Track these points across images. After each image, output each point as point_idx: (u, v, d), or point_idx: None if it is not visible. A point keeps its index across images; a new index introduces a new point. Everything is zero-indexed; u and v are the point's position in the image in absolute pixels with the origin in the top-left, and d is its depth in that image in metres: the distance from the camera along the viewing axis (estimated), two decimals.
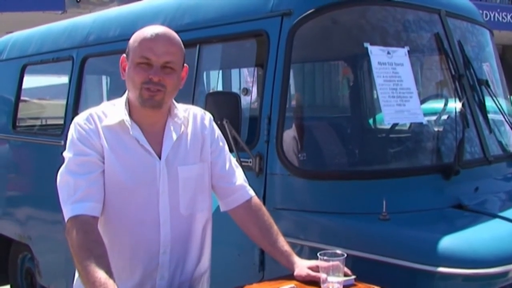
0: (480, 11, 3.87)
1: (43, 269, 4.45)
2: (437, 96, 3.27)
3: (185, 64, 1.99)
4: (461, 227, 2.38)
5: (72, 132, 1.93)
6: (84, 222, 1.81)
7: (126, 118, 1.94)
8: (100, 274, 1.68)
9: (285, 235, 2.16)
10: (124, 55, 1.96)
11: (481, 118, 3.00)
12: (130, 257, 1.98)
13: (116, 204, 1.93)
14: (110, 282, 1.68)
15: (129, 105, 1.98)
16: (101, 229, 1.90)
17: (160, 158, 1.96)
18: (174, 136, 1.99)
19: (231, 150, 2.29)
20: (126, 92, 2.00)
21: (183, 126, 2.02)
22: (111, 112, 1.97)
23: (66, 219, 1.85)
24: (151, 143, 1.96)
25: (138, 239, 1.97)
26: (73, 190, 1.85)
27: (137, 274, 1.99)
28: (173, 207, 1.99)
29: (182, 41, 1.97)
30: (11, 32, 5.44)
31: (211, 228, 2.15)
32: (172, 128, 2.00)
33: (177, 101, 2.09)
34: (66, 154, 1.92)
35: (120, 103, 1.99)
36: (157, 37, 1.88)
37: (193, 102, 3.00)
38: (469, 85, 2.99)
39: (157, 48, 1.87)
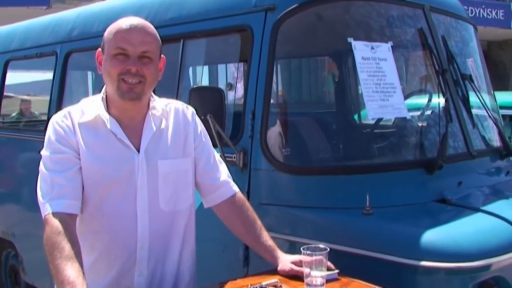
0: (465, 7, 3.89)
1: (27, 266, 4.42)
2: (421, 91, 3.28)
3: (162, 55, 1.96)
4: (444, 221, 2.40)
5: (49, 131, 1.92)
6: (59, 220, 1.78)
7: (102, 112, 1.92)
8: (70, 273, 1.67)
9: (270, 230, 2.16)
10: (100, 49, 1.94)
11: (464, 113, 3.02)
12: (107, 252, 1.96)
13: (94, 199, 1.92)
14: (78, 281, 1.65)
15: (107, 99, 1.96)
16: (79, 224, 1.88)
17: (139, 152, 1.94)
18: (154, 128, 1.97)
19: (215, 146, 2.28)
20: (104, 86, 1.98)
21: (163, 119, 2.00)
22: (89, 108, 1.95)
23: (43, 216, 1.83)
24: (130, 137, 1.93)
25: (115, 233, 1.95)
26: (50, 188, 1.84)
27: (114, 269, 1.97)
28: (152, 202, 1.96)
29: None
30: None
31: (194, 225, 2.13)
32: (152, 120, 1.97)
33: (162, 96, 2.07)
34: (43, 153, 1.90)
35: (98, 98, 1.97)
36: (131, 28, 1.86)
37: (177, 97, 2.98)
38: (452, 80, 3.01)
39: (133, 38, 1.84)
